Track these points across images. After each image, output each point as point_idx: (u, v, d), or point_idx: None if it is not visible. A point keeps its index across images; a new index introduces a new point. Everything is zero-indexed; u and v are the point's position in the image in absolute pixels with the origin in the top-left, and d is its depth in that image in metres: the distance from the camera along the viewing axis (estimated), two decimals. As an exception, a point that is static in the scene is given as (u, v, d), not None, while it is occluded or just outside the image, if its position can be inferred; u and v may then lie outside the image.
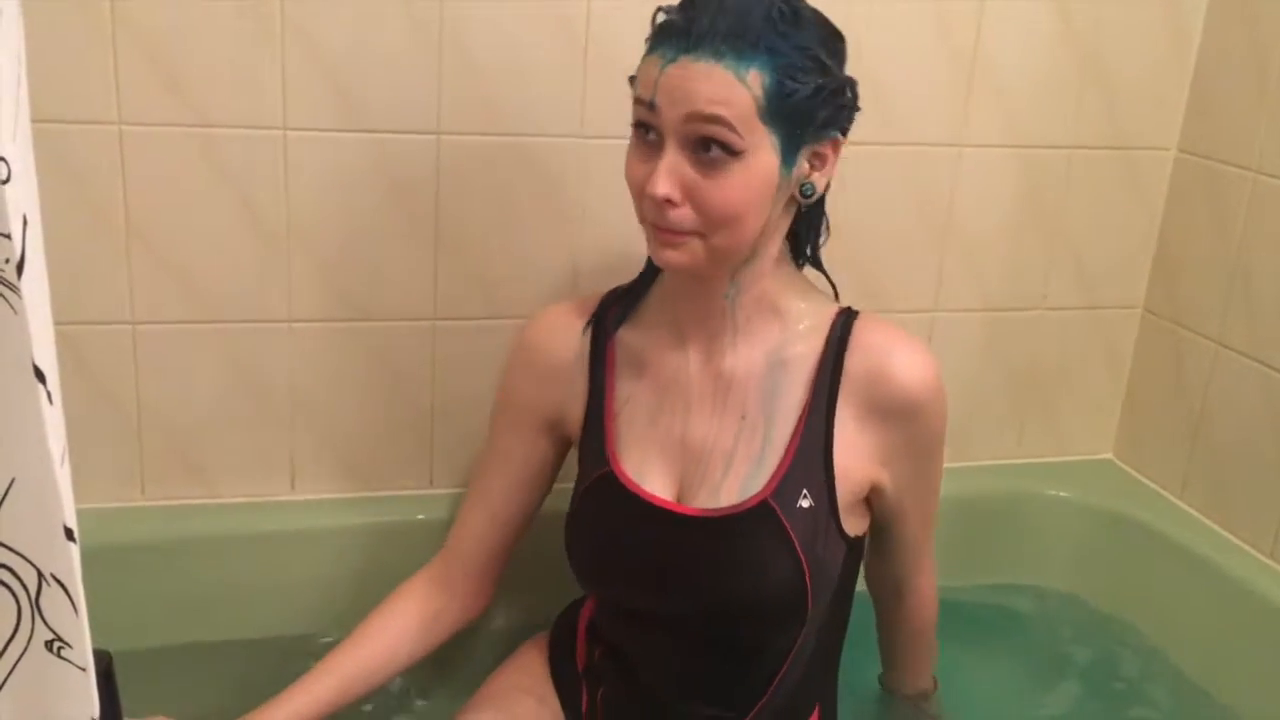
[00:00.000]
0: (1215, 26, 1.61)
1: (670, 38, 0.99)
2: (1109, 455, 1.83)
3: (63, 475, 0.59)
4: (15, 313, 0.55)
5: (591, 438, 1.16)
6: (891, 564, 1.27)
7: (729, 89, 0.97)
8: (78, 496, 0.61)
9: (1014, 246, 1.67)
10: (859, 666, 1.32)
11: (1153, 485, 1.74)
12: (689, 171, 0.99)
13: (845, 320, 1.12)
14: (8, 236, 0.54)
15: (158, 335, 1.40)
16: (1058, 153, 1.64)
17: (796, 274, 1.15)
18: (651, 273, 1.18)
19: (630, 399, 1.15)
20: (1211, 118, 1.62)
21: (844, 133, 1.07)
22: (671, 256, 1.03)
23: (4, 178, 0.53)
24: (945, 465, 1.74)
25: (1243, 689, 1.49)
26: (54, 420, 0.57)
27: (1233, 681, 1.51)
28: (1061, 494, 1.73)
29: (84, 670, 0.62)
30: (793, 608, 1.09)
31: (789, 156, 1.02)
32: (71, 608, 0.61)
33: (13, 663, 0.61)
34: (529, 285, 1.50)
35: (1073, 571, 1.72)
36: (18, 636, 0.61)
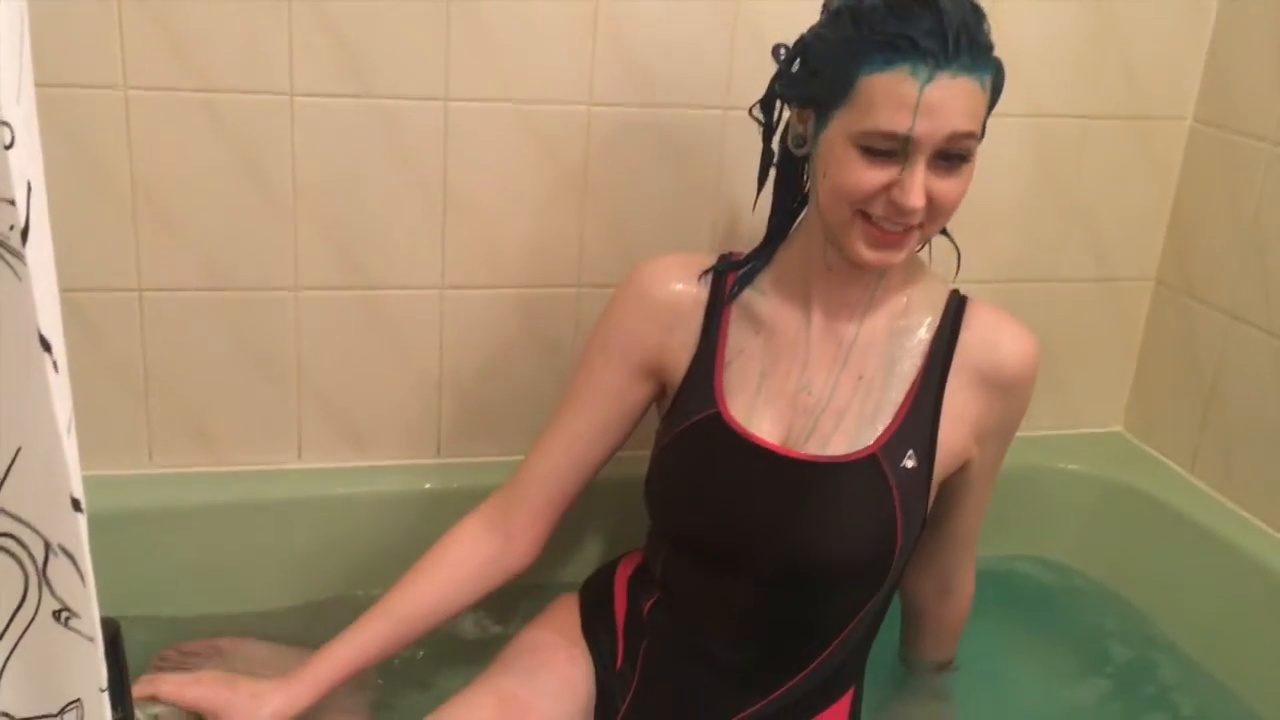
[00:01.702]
0: (1233, -6, 1.59)
1: (923, 56, 0.99)
2: (1119, 428, 1.82)
3: (69, 445, 0.58)
4: (20, 280, 0.54)
5: (696, 382, 1.18)
6: (942, 557, 1.31)
7: (977, 101, 1.02)
8: (84, 463, 0.60)
9: (1026, 217, 1.66)
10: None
11: (1163, 458, 1.73)
12: (930, 177, 1.03)
13: (959, 301, 1.19)
14: (11, 203, 0.53)
15: (164, 302, 1.39)
16: (1071, 122, 1.62)
17: None
18: (778, 239, 1.21)
19: (742, 352, 1.18)
20: (1227, 88, 1.60)
21: None
22: (892, 257, 1.08)
23: (7, 143, 0.52)
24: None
25: (1249, 665, 1.49)
26: (60, 389, 0.57)
27: (1239, 657, 1.50)
28: (1071, 467, 1.72)
29: (92, 640, 0.62)
30: (880, 563, 1.13)
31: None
32: (79, 578, 0.60)
33: (20, 633, 0.61)
34: (536, 254, 1.49)
35: (1081, 544, 1.71)
36: (25, 606, 0.61)
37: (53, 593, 0.61)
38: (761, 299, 1.19)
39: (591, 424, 1.23)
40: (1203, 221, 1.66)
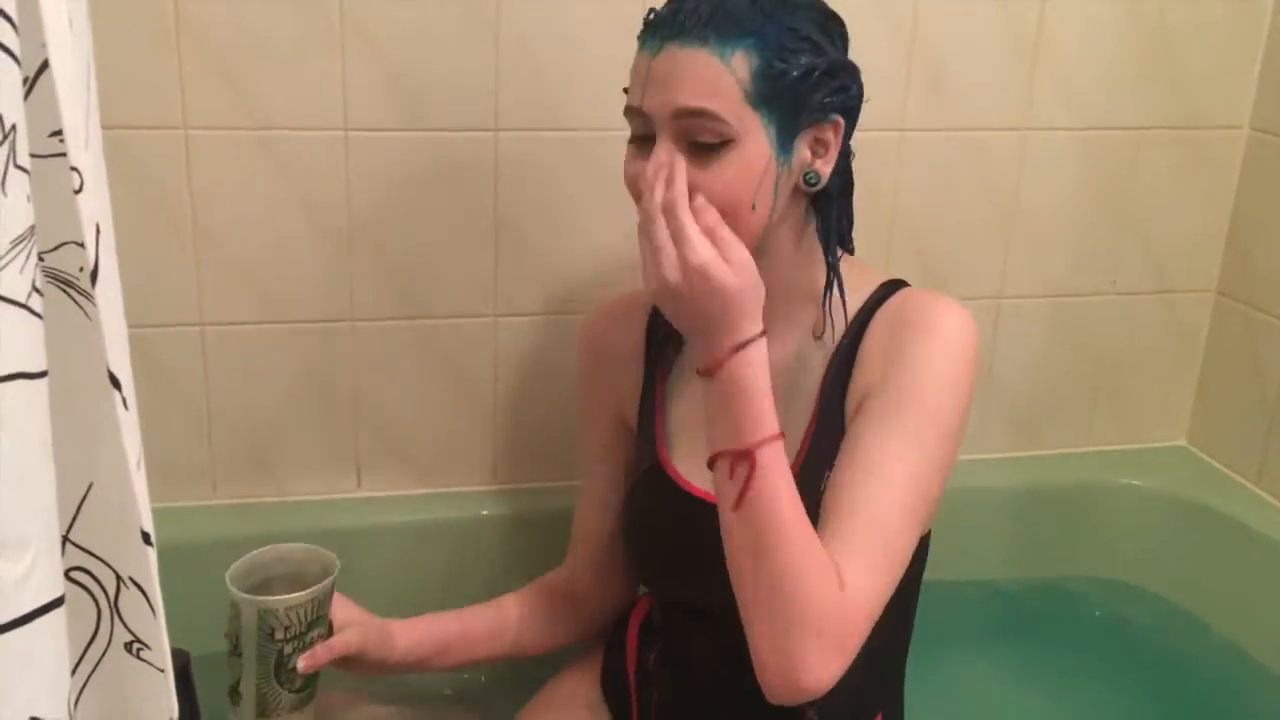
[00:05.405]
0: (1288, -1, 1.57)
1: (656, 29, 0.97)
2: (1183, 442, 1.79)
3: (139, 480, 0.59)
4: (90, 320, 0.56)
5: (644, 429, 1.17)
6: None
7: (715, 75, 0.93)
8: (149, 496, 0.61)
9: (1081, 230, 1.64)
10: (930, 664, 1.27)
11: (1228, 472, 1.70)
12: (689, 167, 0.94)
13: (881, 295, 1.05)
14: (81, 245, 0.55)
15: (225, 336, 1.42)
16: (1125, 134, 1.60)
17: (846, 262, 1.07)
18: None
19: (680, 393, 1.15)
20: (1285, 94, 1.58)
21: (848, 117, 1.01)
22: None
23: (76, 188, 0.53)
24: (1015, 454, 1.72)
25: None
26: (130, 426, 0.58)
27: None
28: (1134, 482, 1.69)
29: (163, 671, 0.63)
30: None
31: (785, 142, 0.97)
32: (150, 610, 0.61)
33: (93, 664, 0.62)
34: (589, 280, 1.49)
35: (1146, 562, 1.68)
36: (98, 638, 0.62)
37: (124, 624, 0.62)
38: None
39: (605, 483, 1.24)
40: (1263, 230, 1.63)
